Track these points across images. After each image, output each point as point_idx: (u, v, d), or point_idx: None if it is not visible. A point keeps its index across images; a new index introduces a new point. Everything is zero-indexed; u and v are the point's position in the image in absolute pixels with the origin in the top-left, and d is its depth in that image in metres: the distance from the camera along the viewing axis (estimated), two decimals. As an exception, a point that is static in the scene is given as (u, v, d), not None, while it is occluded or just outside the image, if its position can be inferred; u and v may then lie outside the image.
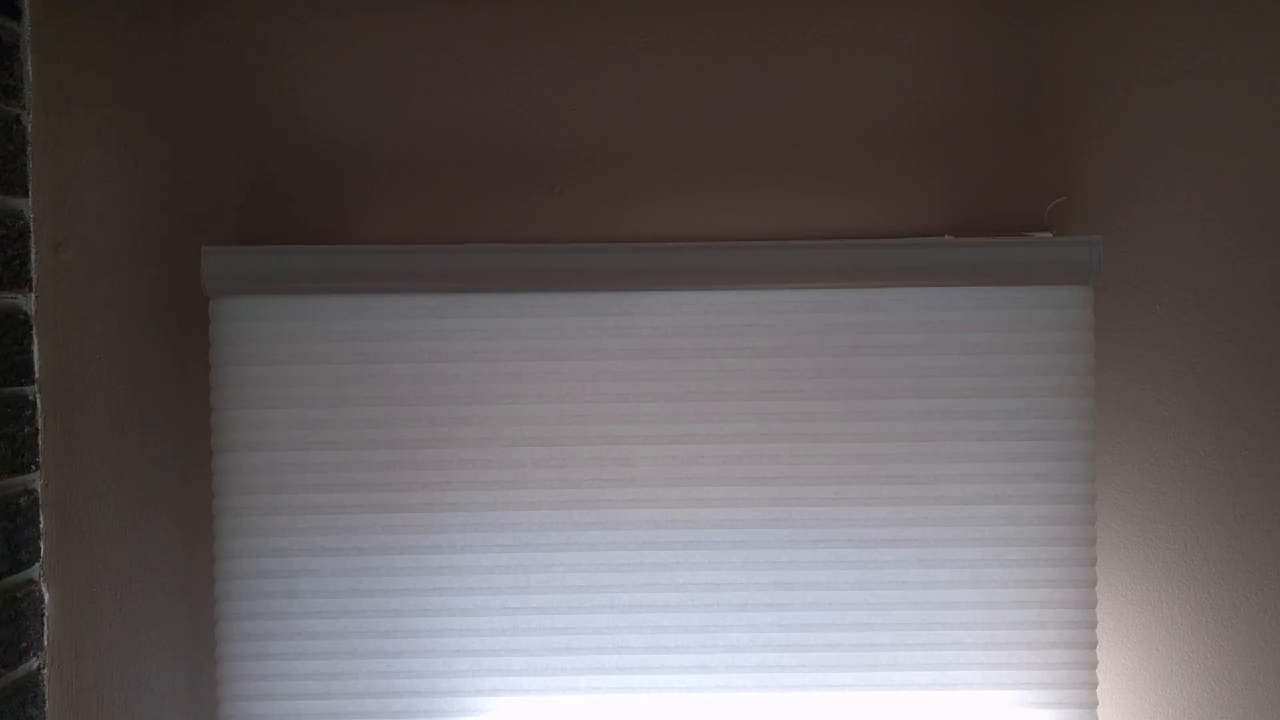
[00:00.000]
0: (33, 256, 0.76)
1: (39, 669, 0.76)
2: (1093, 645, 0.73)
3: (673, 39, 0.76)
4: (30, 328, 0.76)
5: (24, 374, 0.75)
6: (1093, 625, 0.73)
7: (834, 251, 0.72)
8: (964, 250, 0.72)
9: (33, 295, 0.76)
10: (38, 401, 0.76)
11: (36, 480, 0.76)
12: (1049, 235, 0.74)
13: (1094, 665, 0.73)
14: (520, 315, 0.73)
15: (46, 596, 0.77)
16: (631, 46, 0.76)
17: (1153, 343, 0.77)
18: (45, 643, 0.77)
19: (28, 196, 0.75)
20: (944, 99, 0.77)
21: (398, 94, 0.76)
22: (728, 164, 0.77)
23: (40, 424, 0.76)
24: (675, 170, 0.77)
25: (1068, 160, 0.77)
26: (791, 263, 0.72)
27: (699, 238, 0.76)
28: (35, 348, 0.76)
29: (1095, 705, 0.73)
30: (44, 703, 0.76)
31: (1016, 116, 0.77)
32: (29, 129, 0.75)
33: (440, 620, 0.73)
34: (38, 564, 0.76)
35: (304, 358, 0.73)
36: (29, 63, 0.75)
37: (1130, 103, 0.77)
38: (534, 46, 0.76)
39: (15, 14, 0.74)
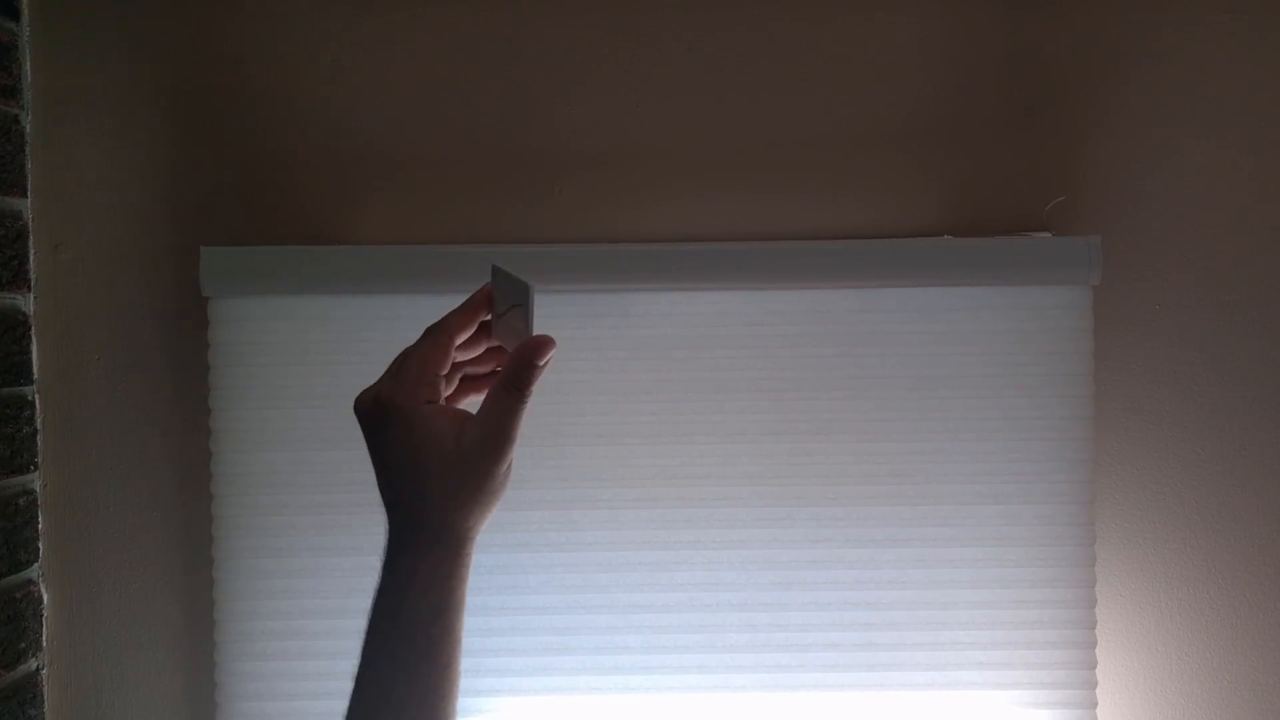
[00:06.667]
0: (31, 257, 0.76)
1: (38, 669, 0.76)
2: (1092, 645, 0.73)
3: (673, 40, 0.76)
4: (29, 328, 0.76)
5: (23, 374, 0.75)
6: (1092, 625, 0.73)
7: (834, 251, 0.72)
8: (963, 250, 0.72)
9: (31, 296, 0.76)
10: (36, 402, 0.76)
11: (35, 480, 0.76)
12: (1048, 235, 0.74)
13: (1094, 665, 0.73)
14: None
15: (45, 597, 0.77)
16: (631, 47, 0.76)
17: (1152, 342, 0.77)
18: (44, 643, 0.76)
19: (26, 197, 0.75)
20: (943, 98, 0.76)
21: (399, 94, 0.76)
22: (726, 164, 0.77)
23: (39, 424, 0.76)
24: (674, 171, 0.77)
25: (1067, 160, 0.77)
26: (791, 263, 0.72)
27: (697, 238, 0.76)
28: (34, 348, 0.76)
29: (1095, 705, 0.73)
30: (43, 703, 0.76)
31: (1015, 116, 0.76)
32: (28, 130, 0.75)
33: None
34: (36, 564, 0.76)
35: (303, 358, 0.72)
36: (28, 63, 0.75)
37: (1130, 101, 0.77)
38: (533, 47, 0.76)
39: (14, 15, 0.74)
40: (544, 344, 0.54)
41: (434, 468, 0.53)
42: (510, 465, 0.55)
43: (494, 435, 0.53)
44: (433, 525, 0.54)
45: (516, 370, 0.54)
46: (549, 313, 0.71)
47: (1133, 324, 0.77)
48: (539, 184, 0.76)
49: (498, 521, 0.70)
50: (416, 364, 0.55)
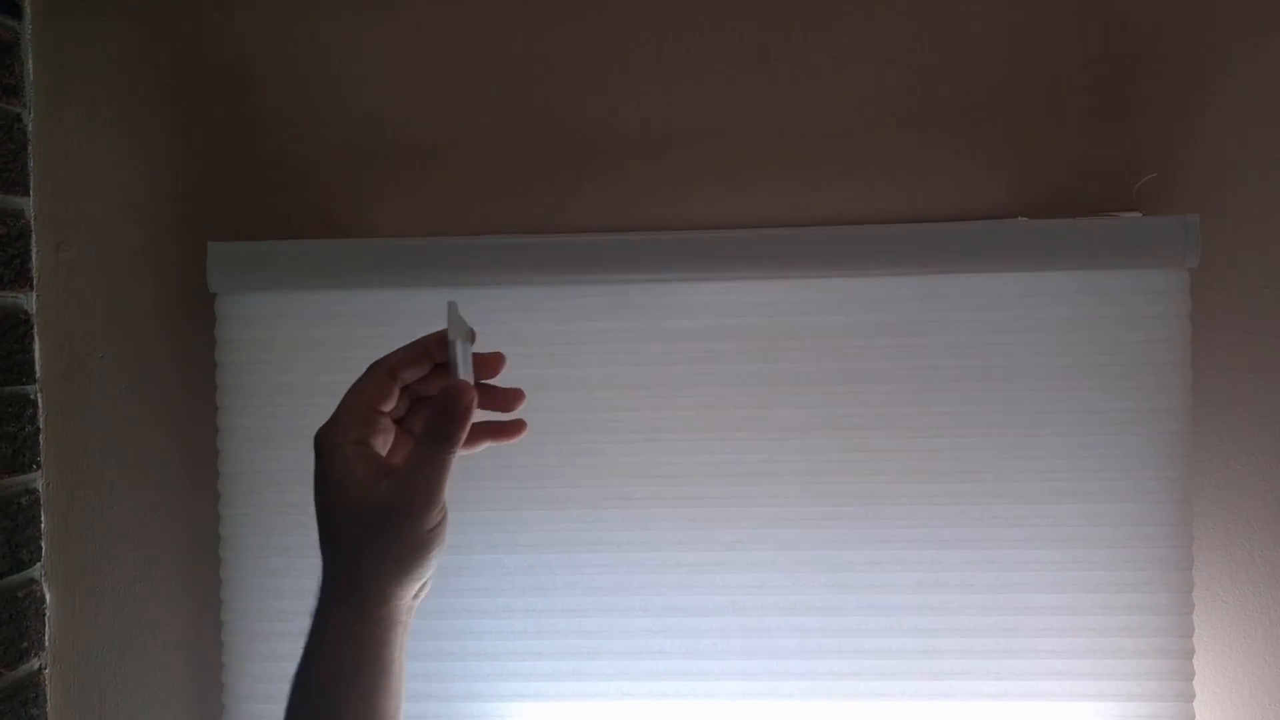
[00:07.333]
0: (34, 255, 0.76)
1: (40, 669, 0.76)
2: (1190, 654, 0.67)
3: (715, 18, 0.72)
4: (31, 327, 0.76)
5: (25, 373, 0.75)
6: (1189, 633, 0.67)
7: (891, 235, 0.68)
8: (1041, 232, 0.67)
9: (34, 294, 0.76)
10: (39, 401, 0.76)
11: (38, 480, 0.76)
12: (1138, 215, 0.68)
13: (1190, 676, 0.67)
14: (547, 306, 0.70)
15: (48, 596, 0.77)
16: (670, 25, 0.72)
17: (1258, 330, 0.71)
18: (46, 642, 0.77)
19: (29, 195, 0.75)
20: (1021, 69, 0.71)
21: (411, 84, 0.74)
22: (774, 146, 0.72)
23: (41, 423, 0.76)
24: (717, 155, 0.73)
25: (1159, 134, 0.70)
26: (851, 249, 0.68)
27: (742, 225, 0.72)
28: (36, 347, 0.76)
29: (1192, 719, 0.67)
30: (45, 702, 0.77)
31: (1101, 87, 0.70)
32: (30, 128, 0.75)
33: (460, 622, 0.71)
34: (39, 564, 0.76)
35: (312, 354, 0.71)
36: (30, 61, 0.75)
37: (1231, 71, 0.69)
38: (556, 34, 0.73)
39: (16, 13, 0.74)
40: (459, 390, 0.51)
41: (342, 518, 0.50)
42: (441, 524, 0.51)
43: (410, 491, 0.49)
44: (342, 581, 0.51)
45: (432, 419, 0.50)
46: (582, 304, 0.69)
47: (1235, 310, 0.71)
48: (566, 173, 0.73)
49: (525, 521, 0.70)
50: (349, 398, 0.52)
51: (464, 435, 0.50)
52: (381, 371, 0.52)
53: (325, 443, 0.51)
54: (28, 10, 0.75)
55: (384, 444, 0.53)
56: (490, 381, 0.55)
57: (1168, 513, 0.68)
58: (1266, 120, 0.70)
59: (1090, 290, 0.68)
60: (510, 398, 0.55)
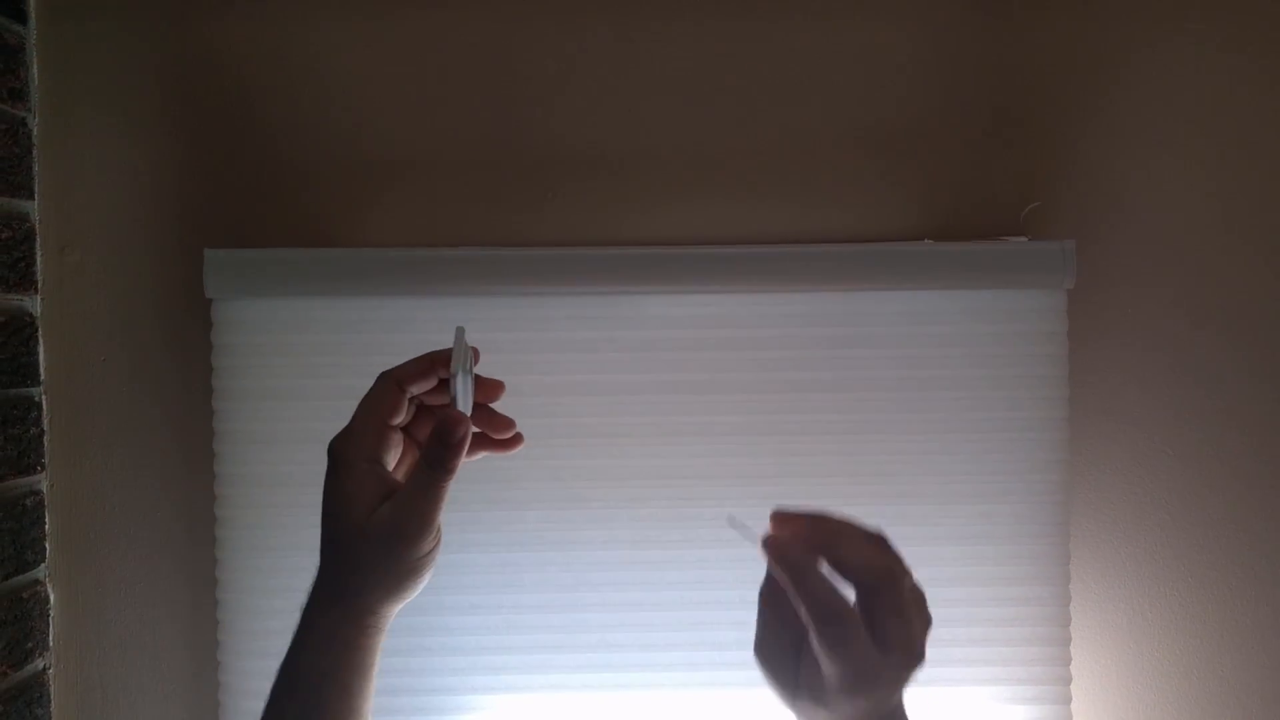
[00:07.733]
0: (38, 259, 0.76)
1: (44, 669, 0.76)
2: (1067, 642, 0.74)
3: (664, 47, 0.77)
4: (36, 329, 0.76)
5: (30, 375, 0.75)
6: (1067, 622, 0.74)
7: (819, 255, 0.73)
8: (940, 254, 0.73)
9: (38, 297, 0.76)
10: (43, 403, 0.76)
11: (42, 481, 0.76)
12: (1024, 240, 0.76)
13: (1068, 661, 0.74)
14: (517, 316, 0.73)
15: (52, 597, 0.77)
16: (624, 53, 0.77)
17: (1125, 345, 0.78)
18: (50, 643, 0.77)
19: (34, 199, 0.75)
20: (924, 104, 0.77)
21: (400, 97, 0.76)
22: (714, 169, 0.77)
23: (46, 425, 0.76)
24: (663, 176, 0.77)
25: (1045, 166, 0.78)
26: (777, 266, 0.72)
27: (687, 242, 0.77)
28: (41, 349, 0.76)
29: (1069, 701, 0.74)
30: (49, 702, 0.76)
31: (994, 122, 0.77)
32: (35, 132, 0.75)
33: (437, 619, 0.73)
34: (43, 565, 0.76)
35: (306, 360, 0.72)
36: (34, 66, 0.75)
37: (1106, 109, 0.78)
38: (529, 52, 0.77)
39: (21, 17, 0.74)
40: (455, 421, 0.51)
41: (343, 532, 0.51)
42: (434, 550, 0.51)
43: (407, 516, 0.50)
44: (336, 588, 0.52)
45: (431, 447, 0.51)
46: (544, 315, 0.72)
47: (1106, 327, 0.78)
48: (535, 188, 0.77)
49: (493, 521, 0.73)
50: (364, 413, 0.52)
51: (458, 464, 0.50)
52: (392, 385, 0.53)
53: (340, 456, 0.51)
54: (33, 15, 0.75)
55: (394, 456, 0.53)
56: (492, 405, 0.57)
57: (1049, 513, 0.72)
58: (1136, 157, 0.76)
59: (987, 307, 0.72)
60: (502, 425, 0.55)
